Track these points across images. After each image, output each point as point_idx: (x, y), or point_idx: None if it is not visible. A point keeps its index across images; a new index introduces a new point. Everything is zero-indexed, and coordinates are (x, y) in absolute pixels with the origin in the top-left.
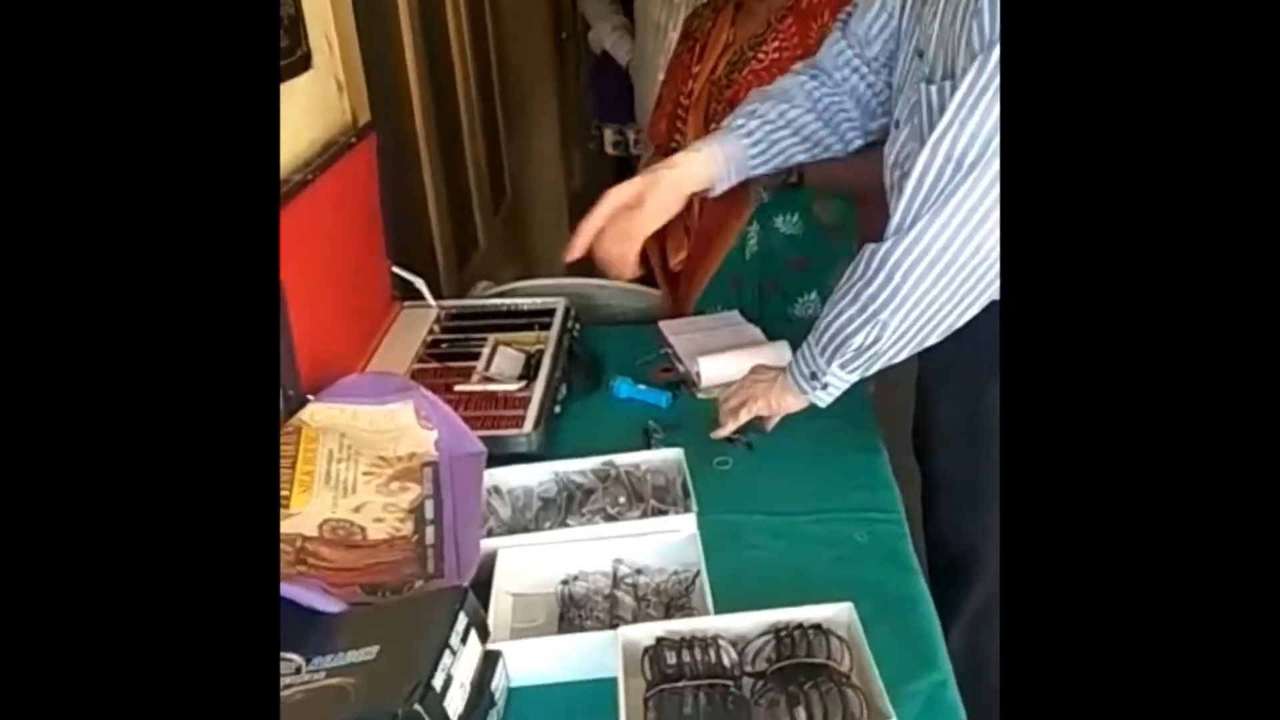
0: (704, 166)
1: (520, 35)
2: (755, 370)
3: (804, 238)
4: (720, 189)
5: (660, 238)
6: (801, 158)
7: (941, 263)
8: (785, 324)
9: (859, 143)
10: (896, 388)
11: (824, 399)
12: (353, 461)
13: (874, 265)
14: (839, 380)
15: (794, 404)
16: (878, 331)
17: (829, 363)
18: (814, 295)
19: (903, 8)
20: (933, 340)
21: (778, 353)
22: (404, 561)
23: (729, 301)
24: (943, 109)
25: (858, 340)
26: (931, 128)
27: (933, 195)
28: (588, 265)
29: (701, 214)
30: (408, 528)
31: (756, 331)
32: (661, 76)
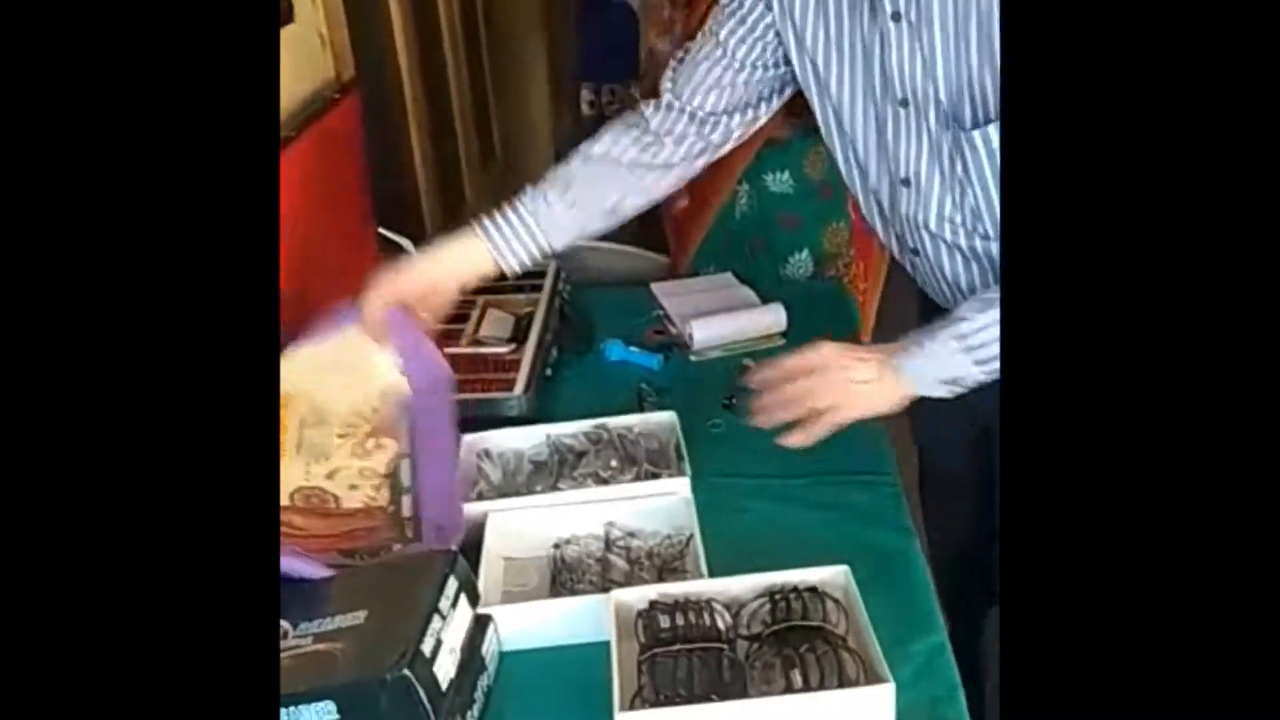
0: (463, 257)
1: None
2: (814, 368)
3: (795, 196)
4: (511, 270)
5: None
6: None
7: None
8: (776, 284)
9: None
10: None
11: (953, 393)
12: (325, 425)
13: None
14: (979, 379)
15: (896, 407)
16: None
17: (979, 366)
18: (805, 254)
19: (804, 63)
20: None
21: (773, 315)
22: (381, 528)
23: (721, 262)
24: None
25: None
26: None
27: None
28: None
29: None
30: (383, 496)
31: (749, 293)
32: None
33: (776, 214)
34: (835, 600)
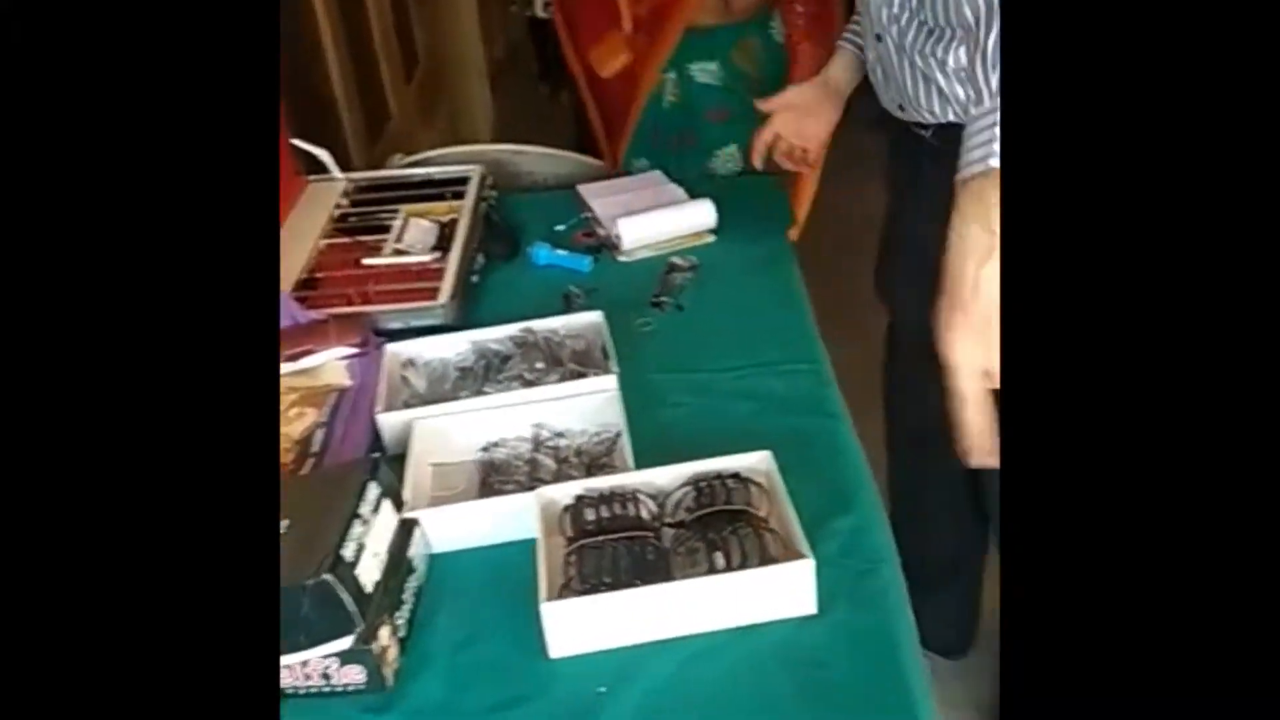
0: (850, 73)
1: None
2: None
3: (723, 88)
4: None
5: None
6: None
7: None
8: (706, 180)
9: None
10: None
11: None
12: None
13: None
14: None
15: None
16: None
17: None
18: (734, 148)
19: None
20: None
21: (702, 212)
22: None
23: (652, 156)
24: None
25: None
26: None
27: None
28: (505, 132)
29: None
30: (289, 458)
31: (678, 190)
32: None
33: (704, 106)
34: (758, 485)
